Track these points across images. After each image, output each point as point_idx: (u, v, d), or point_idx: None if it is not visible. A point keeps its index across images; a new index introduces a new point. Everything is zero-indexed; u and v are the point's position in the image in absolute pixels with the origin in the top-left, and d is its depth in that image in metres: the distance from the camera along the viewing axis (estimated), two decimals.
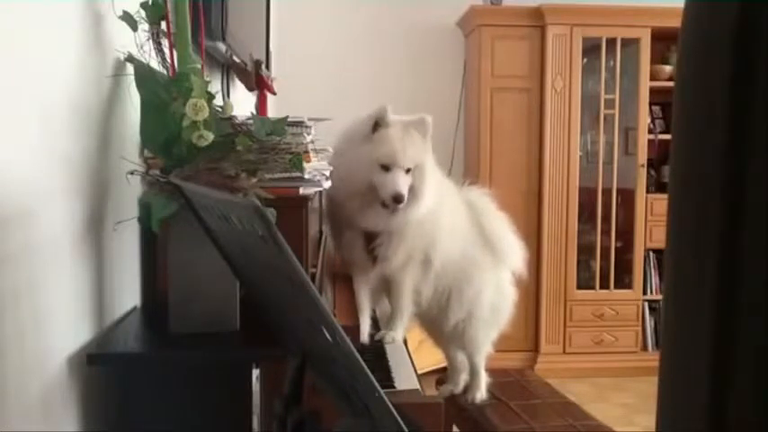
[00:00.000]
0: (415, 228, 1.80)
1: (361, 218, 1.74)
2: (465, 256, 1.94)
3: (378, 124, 1.71)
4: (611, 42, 4.22)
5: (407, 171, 1.71)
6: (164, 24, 1.34)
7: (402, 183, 1.68)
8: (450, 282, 1.94)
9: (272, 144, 1.29)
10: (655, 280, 4.39)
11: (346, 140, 1.76)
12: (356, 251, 1.81)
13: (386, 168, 1.69)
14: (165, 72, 1.34)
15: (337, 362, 0.78)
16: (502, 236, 2.02)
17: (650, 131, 4.31)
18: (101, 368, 1.21)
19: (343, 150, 1.75)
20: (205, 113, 1.18)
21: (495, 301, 2.03)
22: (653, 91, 4.24)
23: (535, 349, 4.31)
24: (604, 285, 4.33)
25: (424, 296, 1.92)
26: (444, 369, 2.34)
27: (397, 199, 1.67)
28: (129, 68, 1.33)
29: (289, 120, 1.34)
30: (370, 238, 1.79)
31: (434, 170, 1.83)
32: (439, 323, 2.02)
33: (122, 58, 1.34)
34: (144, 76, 1.28)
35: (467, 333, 2.02)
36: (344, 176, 1.70)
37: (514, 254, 2.05)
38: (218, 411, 1.19)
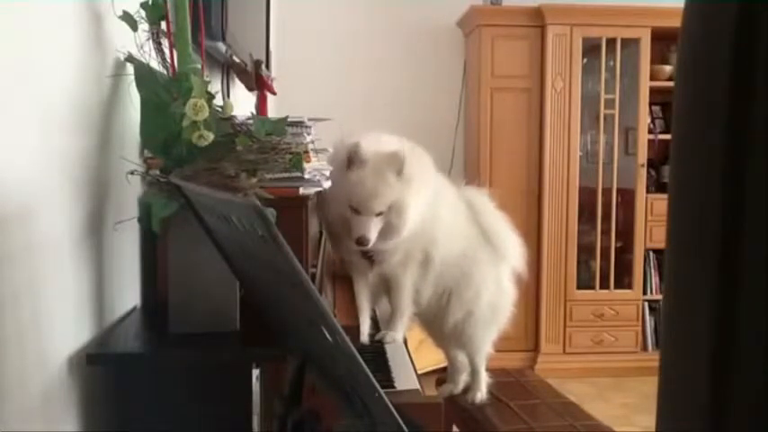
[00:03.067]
0: (413, 230, 1.78)
1: (347, 240, 1.74)
2: (465, 255, 1.94)
3: (351, 161, 1.69)
4: (611, 42, 4.22)
5: (379, 214, 1.69)
6: (164, 24, 1.34)
7: (369, 227, 1.67)
8: (450, 281, 1.94)
9: (272, 144, 1.29)
10: (655, 280, 4.39)
11: (332, 161, 1.74)
12: (353, 255, 1.81)
13: (356, 212, 1.68)
14: (165, 72, 1.34)
15: (337, 362, 0.78)
16: (501, 233, 2.02)
17: (650, 131, 4.31)
18: (101, 368, 1.21)
19: (331, 171, 1.74)
20: (205, 113, 1.18)
21: (494, 300, 2.03)
22: (653, 91, 4.24)
23: (535, 349, 4.31)
24: (604, 285, 4.33)
25: (424, 296, 1.91)
26: (444, 369, 2.34)
27: (360, 242, 1.67)
28: (129, 68, 1.33)
29: (289, 120, 1.34)
30: None
31: (424, 182, 1.79)
32: (438, 323, 2.01)
33: (122, 58, 1.34)
34: (144, 76, 1.28)
35: (466, 333, 2.02)
36: (329, 201, 1.72)
37: (514, 251, 2.04)
38: (218, 411, 1.19)
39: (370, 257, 1.82)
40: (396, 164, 1.68)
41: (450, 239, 1.89)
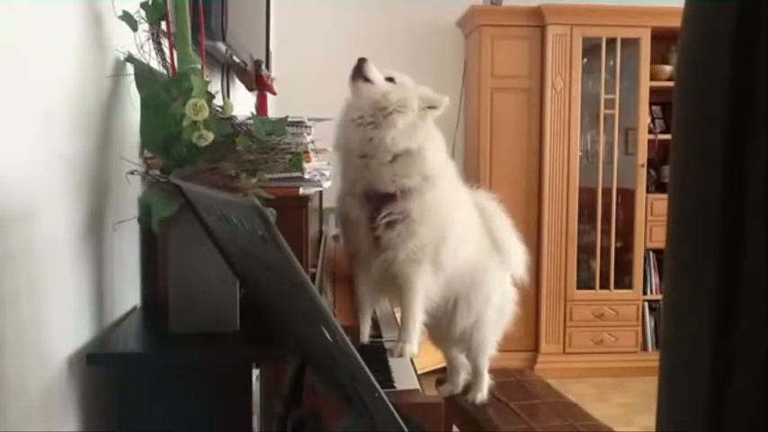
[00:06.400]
0: (423, 214, 1.71)
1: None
2: (476, 264, 1.92)
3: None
4: (611, 42, 4.22)
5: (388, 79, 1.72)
6: (164, 24, 1.34)
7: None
8: (459, 288, 1.91)
9: (272, 144, 1.29)
10: (655, 280, 4.39)
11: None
12: (361, 235, 1.73)
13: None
14: (165, 72, 1.34)
15: (337, 362, 0.78)
16: (507, 240, 2.01)
17: (650, 131, 4.31)
18: (101, 368, 1.21)
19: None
20: (205, 113, 1.18)
21: (500, 303, 2.03)
22: (653, 91, 4.24)
23: (535, 349, 4.31)
24: (604, 285, 4.33)
25: (433, 302, 1.88)
26: (444, 369, 2.34)
27: (360, 59, 1.66)
28: (129, 68, 1.33)
29: (289, 120, 1.35)
30: (376, 216, 1.71)
31: (445, 160, 1.81)
32: (445, 328, 1.99)
33: (122, 58, 1.34)
34: (144, 76, 1.28)
35: (475, 337, 2.00)
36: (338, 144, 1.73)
37: (520, 258, 2.04)
38: (218, 411, 1.19)
39: (377, 238, 1.73)
40: (428, 99, 1.75)
41: (462, 246, 1.85)
